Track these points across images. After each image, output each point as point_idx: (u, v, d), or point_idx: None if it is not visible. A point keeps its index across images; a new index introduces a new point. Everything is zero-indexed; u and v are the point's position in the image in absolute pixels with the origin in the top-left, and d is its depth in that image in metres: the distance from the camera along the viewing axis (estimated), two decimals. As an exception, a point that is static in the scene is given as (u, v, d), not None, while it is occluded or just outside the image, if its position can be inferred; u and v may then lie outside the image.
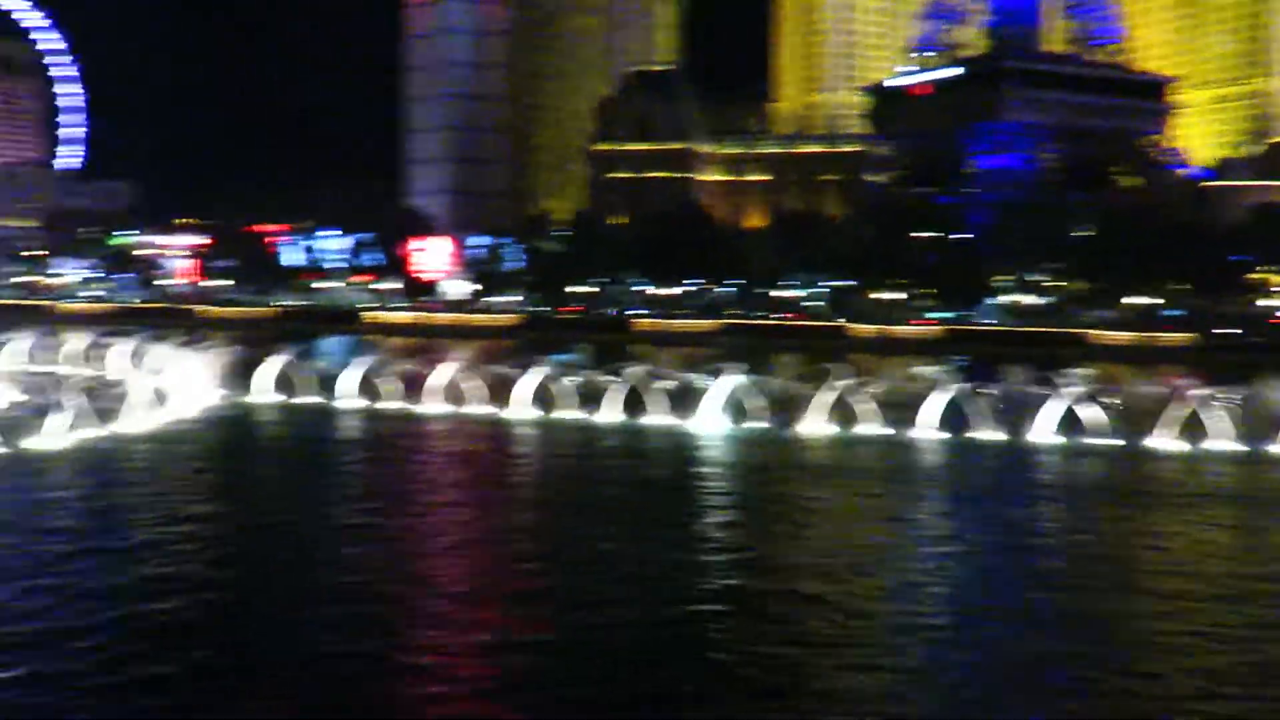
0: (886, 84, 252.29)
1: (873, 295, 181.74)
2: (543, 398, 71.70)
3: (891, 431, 63.84)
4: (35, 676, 26.14)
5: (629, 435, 64.19)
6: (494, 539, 41.15)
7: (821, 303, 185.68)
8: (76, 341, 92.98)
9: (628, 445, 61.52)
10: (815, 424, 64.92)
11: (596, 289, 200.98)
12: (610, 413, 68.74)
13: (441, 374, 75.66)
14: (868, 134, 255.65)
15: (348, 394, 75.75)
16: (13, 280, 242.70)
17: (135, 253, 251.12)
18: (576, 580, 35.03)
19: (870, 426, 64.51)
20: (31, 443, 54.97)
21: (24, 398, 63.22)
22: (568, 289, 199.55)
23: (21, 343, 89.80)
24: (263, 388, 77.82)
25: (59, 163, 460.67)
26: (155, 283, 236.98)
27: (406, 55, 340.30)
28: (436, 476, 54.36)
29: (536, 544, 40.19)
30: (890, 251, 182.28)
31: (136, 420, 62.38)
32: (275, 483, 52.14)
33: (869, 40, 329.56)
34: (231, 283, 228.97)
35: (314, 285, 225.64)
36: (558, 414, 69.50)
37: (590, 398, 70.43)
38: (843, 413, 66.29)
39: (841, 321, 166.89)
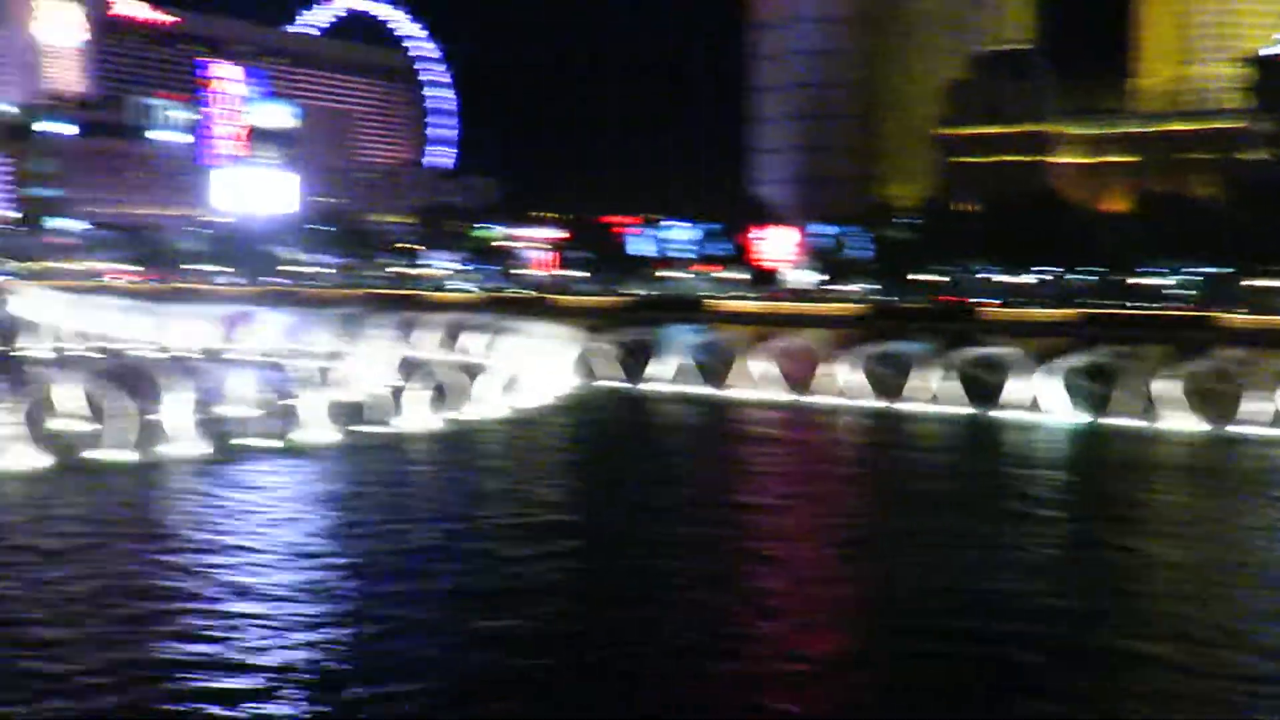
0: (1264, 53, 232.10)
1: (1248, 283, 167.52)
2: (888, 386, 69.69)
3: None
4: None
5: (998, 429, 61.17)
6: (826, 528, 39.78)
7: (1191, 291, 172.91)
8: (441, 328, 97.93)
9: (1012, 439, 58.49)
10: (1184, 419, 59.92)
11: (944, 277, 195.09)
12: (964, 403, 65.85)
13: (784, 361, 75.00)
14: (1244, 108, 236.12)
15: (689, 380, 76.31)
16: (389, 271, 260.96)
17: (497, 245, 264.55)
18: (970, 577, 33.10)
19: (1248, 426, 58.86)
20: (397, 423, 58.06)
21: (395, 381, 66.58)
22: (912, 276, 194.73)
23: (390, 329, 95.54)
24: (613, 374, 79.65)
25: (429, 160, 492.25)
26: (514, 273, 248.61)
27: (754, 45, 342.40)
28: (791, 466, 53.48)
29: (868, 536, 38.46)
30: (1270, 235, 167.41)
31: (493, 404, 64.81)
32: (631, 469, 52.46)
33: (1244, 6, 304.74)
34: (585, 273, 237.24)
35: (661, 275, 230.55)
36: (902, 404, 67.26)
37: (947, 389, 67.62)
38: (1217, 407, 60.92)
39: (1210, 311, 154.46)
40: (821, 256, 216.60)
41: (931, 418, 64.57)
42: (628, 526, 39.01)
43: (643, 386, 77.41)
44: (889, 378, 71.07)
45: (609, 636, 27.53)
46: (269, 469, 47.75)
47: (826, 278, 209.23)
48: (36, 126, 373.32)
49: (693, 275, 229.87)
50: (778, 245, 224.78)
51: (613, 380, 79.11)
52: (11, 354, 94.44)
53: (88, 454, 47.91)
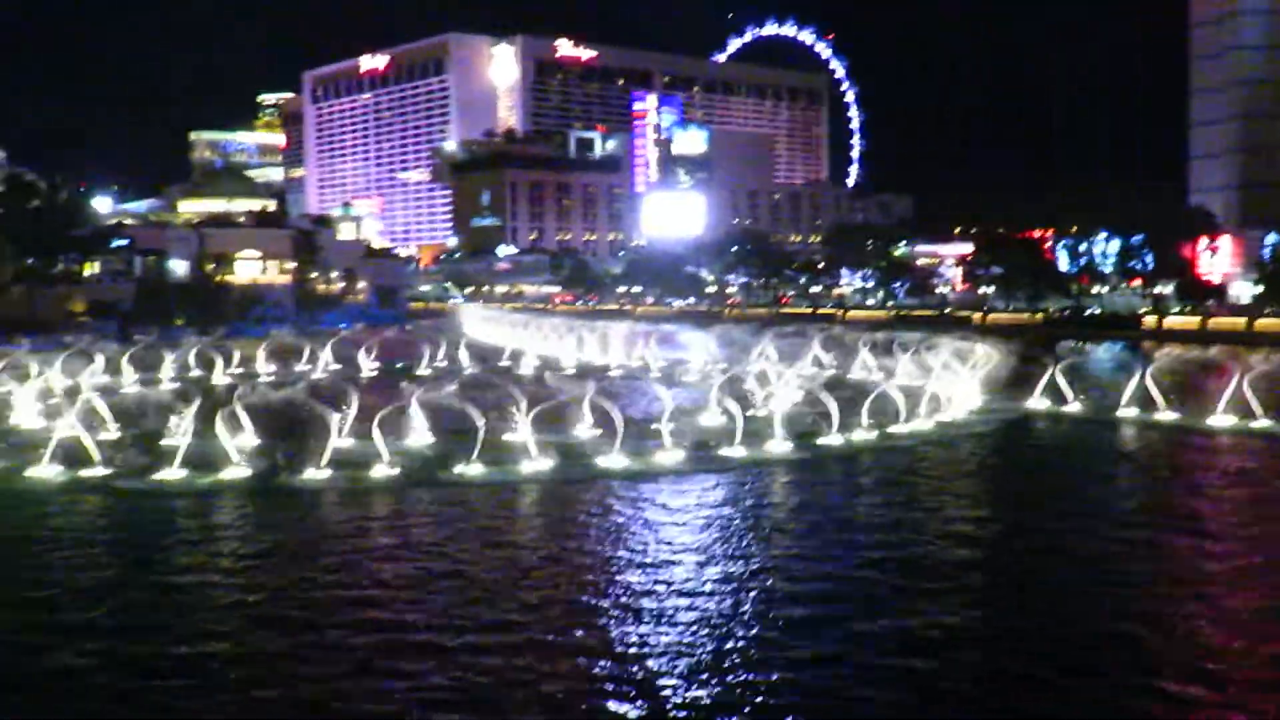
0: None
1: None
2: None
3: None
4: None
5: None
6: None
7: None
8: (863, 345, 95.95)
9: None
10: None
11: None
12: None
13: (1231, 383, 67.33)
14: None
15: (1123, 403, 69.92)
16: (796, 291, 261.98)
17: (907, 262, 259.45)
18: None
19: None
20: (821, 440, 57.02)
21: (821, 398, 65.44)
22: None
23: (809, 347, 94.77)
24: (1032, 395, 74.60)
25: (846, 179, 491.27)
26: (925, 290, 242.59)
27: (1193, 45, 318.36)
28: (1229, 497, 47.59)
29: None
30: None
31: (913, 422, 62.52)
32: (1051, 495, 48.61)
33: None
34: (996, 288, 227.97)
35: (1086, 290, 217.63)
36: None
37: None
38: None
39: None
40: (1260, 268, 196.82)
41: None
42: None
43: (1076, 408, 71.94)
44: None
45: None
46: (708, 485, 47.94)
47: (1262, 290, 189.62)
48: (476, 161, 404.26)
49: (1125, 289, 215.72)
50: (1218, 257, 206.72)
51: (1045, 401, 74.05)
52: (495, 371, 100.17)
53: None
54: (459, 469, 50.63)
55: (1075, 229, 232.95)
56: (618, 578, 34.10)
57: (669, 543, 38.34)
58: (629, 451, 53.02)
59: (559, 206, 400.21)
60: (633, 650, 27.26)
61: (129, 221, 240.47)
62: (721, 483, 49.37)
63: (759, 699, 24.33)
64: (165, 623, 30.51)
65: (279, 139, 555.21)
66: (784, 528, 41.15)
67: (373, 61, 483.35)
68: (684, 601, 31.20)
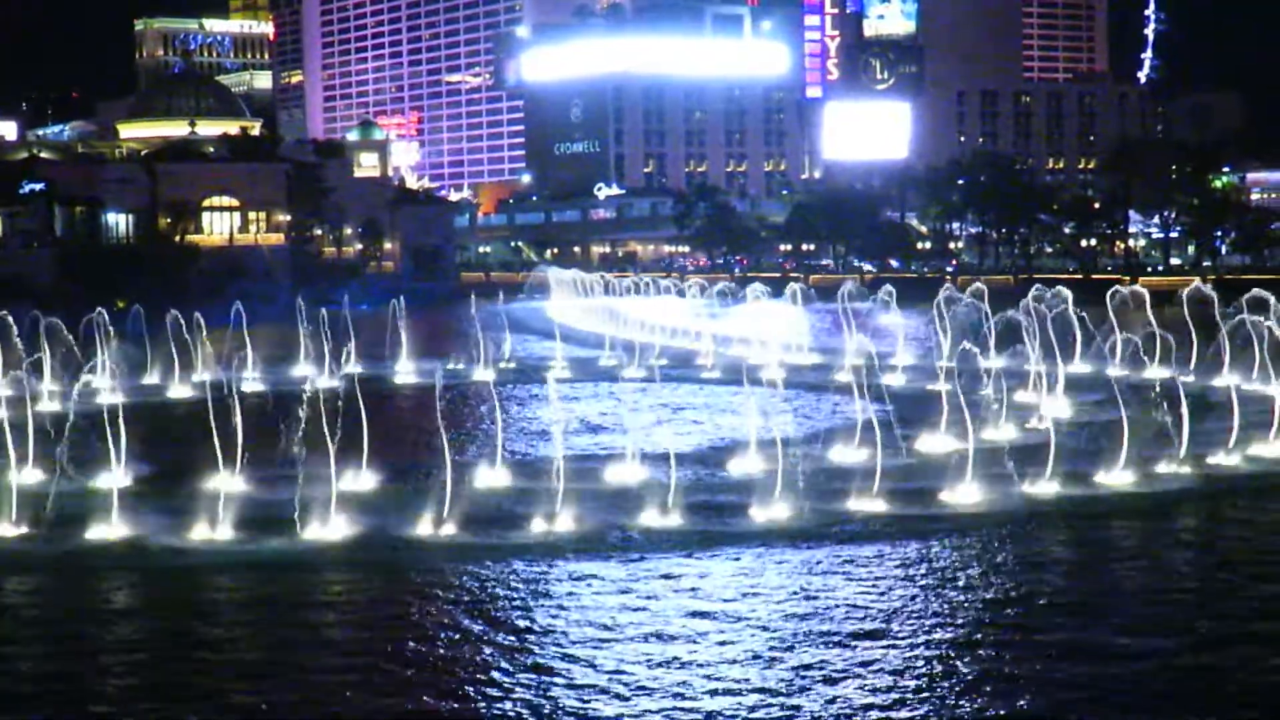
0: None
1: None
2: None
3: None
4: None
5: None
6: None
7: None
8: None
9: None
10: None
11: None
12: None
13: None
14: None
15: None
16: (1065, 243, 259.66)
17: (1238, 199, 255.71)
18: None
19: None
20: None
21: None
22: None
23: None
24: None
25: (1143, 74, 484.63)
26: (1266, 243, 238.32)
27: None
28: None
29: None
30: None
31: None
32: None
33: None
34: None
35: None
36: None
37: None
38: None
39: None
40: None
41: None
42: None
43: None
44: None
45: None
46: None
47: None
48: (562, 55, 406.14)
49: None
50: None
51: None
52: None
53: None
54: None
55: None
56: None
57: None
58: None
59: (687, 123, 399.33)
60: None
61: (45, 155, 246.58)
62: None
63: None
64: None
65: (266, 28, 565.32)
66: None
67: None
68: None
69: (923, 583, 46.53)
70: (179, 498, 57.12)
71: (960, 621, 42.37)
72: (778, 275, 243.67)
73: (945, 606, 43.78)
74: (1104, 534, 54.14)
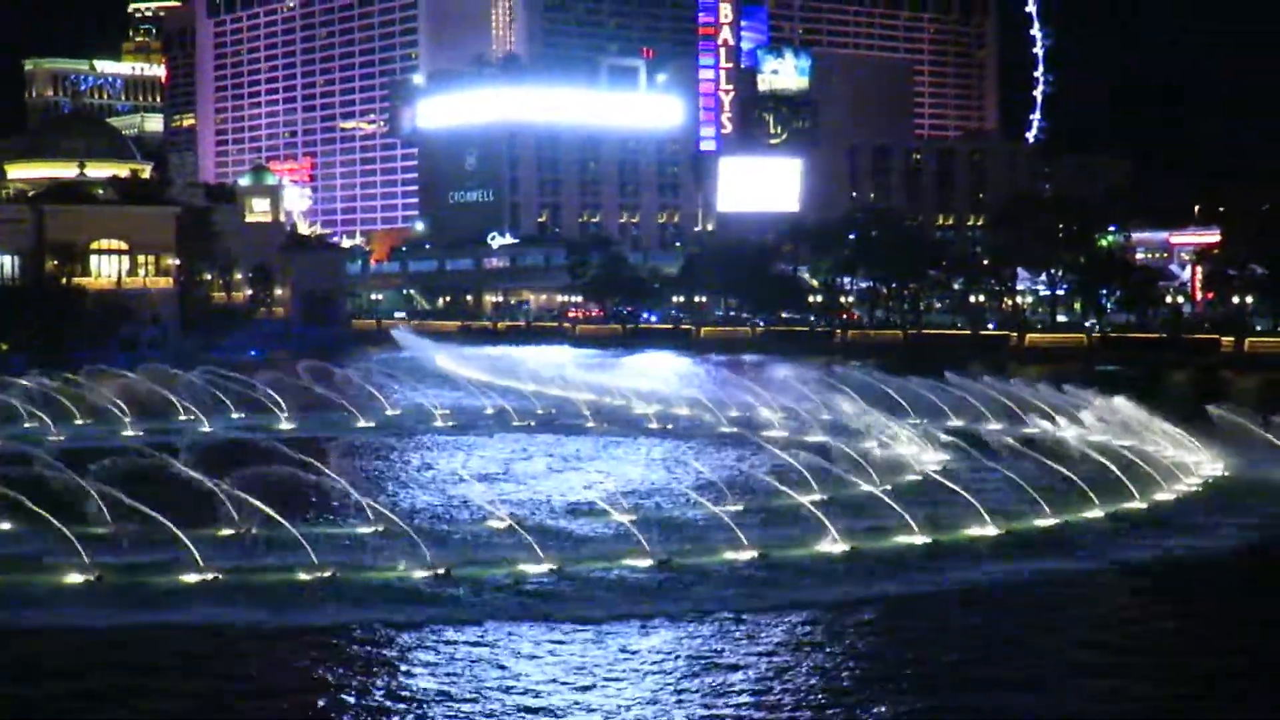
0: None
1: None
2: None
3: None
4: None
5: None
6: None
7: None
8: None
9: None
10: None
11: None
12: None
13: None
14: None
15: None
16: (954, 299, 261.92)
17: (1123, 256, 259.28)
18: None
19: None
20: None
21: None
22: None
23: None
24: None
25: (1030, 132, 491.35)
26: (1150, 301, 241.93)
27: None
28: None
29: None
30: None
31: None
32: None
33: None
34: (1258, 298, 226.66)
35: None
36: None
37: None
38: None
39: None
40: None
41: None
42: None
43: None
44: None
45: None
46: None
47: None
48: (458, 103, 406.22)
49: None
50: None
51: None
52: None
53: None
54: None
55: None
56: None
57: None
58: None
59: (582, 173, 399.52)
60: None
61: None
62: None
63: None
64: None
65: (158, 70, 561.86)
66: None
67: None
68: None
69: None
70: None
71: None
72: (670, 326, 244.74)
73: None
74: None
